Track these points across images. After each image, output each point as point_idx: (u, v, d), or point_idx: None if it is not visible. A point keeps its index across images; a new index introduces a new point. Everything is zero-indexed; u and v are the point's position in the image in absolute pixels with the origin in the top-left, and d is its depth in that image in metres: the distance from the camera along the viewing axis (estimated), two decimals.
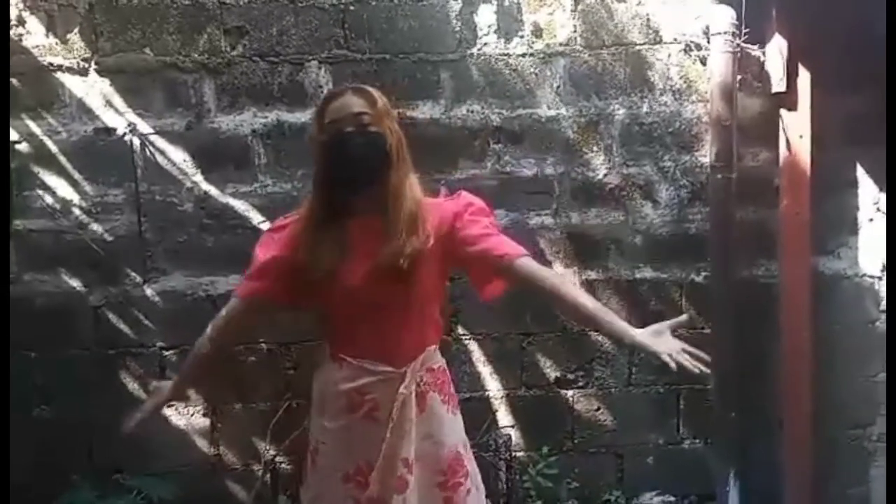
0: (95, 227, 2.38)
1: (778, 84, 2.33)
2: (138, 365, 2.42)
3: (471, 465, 1.68)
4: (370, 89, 1.59)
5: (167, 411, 2.42)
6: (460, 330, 2.44)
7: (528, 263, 1.54)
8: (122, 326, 2.42)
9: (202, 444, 2.46)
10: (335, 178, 1.54)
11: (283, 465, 2.44)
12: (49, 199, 2.36)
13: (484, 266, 1.61)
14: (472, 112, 2.40)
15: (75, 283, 2.40)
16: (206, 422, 2.46)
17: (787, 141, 2.36)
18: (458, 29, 2.38)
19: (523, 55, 2.40)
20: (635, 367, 2.49)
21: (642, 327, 1.46)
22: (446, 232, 1.56)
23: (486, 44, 2.39)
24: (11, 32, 2.30)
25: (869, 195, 2.46)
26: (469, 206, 1.61)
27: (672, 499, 2.46)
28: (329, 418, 1.60)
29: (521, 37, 2.39)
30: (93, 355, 2.39)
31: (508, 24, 2.38)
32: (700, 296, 2.47)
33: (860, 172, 2.45)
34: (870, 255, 2.47)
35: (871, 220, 2.47)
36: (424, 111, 2.38)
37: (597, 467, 2.51)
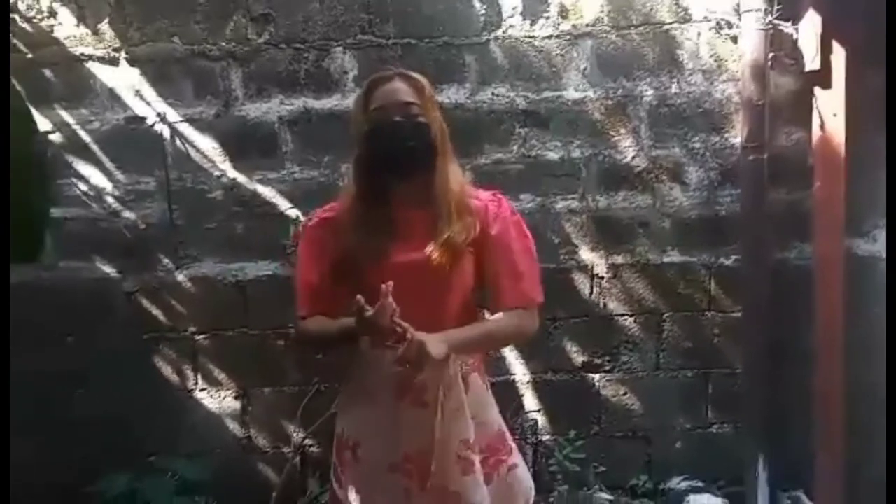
0: (128, 214, 2.43)
1: (811, 62, 2.27)
2: (171, 349, 2.48)
3: (511, 441, 1.67)
4: (417, 76, 1.54)
5: (199, 394, 2.49)
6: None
7: (507, 317, 1.60)
8: (156, 312, 2.47)
9: (233, 426, 2.52)
10: (380, 166, 1.52)
11: (312, 448, 2.48)
12: (83, 188, 2.42)
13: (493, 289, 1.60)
14: (498, 96, 2.39)
15: (109, 270, 2.45)
16: (237, 405, 2.51)
17: (821, 120, 2.31)
18: (482, 12, 2.36)
19: (549, 37, 2.37)
20: (663, 351, 2.47)
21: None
22: (485, 231, 1.55)
23: (511, 26, 2.36)
24: (43, 24, 2.34)
25: None
26: (512, 216, 1.59)
27: (700, 483, 2.45)
28: (374, 408, 1.56)
29: (547, 18, 2.36)
30: (127, 340, 2.45)
31: (534, 6, 2.35)
32: (729, 280, 2.44)
33: None
34: None
35: None
36: (450, 95, 2.36)
37: (624, 452, 2.51)
